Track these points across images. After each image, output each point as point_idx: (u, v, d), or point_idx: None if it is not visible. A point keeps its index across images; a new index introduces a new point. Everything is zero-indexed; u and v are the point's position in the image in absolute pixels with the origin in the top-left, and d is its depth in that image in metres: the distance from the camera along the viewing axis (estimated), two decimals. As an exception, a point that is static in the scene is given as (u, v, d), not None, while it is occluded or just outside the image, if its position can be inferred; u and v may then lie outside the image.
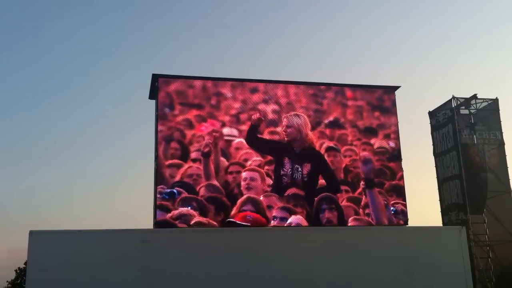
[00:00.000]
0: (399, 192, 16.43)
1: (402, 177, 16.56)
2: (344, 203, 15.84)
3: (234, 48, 51.94)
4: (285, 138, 16.02)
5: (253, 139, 15.70)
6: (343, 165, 16.18)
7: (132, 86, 49.10)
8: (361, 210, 15.90)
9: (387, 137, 16.85)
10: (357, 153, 16.38)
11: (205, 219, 14.70)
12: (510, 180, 19.91)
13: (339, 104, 16.80)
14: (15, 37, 49.59)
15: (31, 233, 11.96)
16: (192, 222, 14.58)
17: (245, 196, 15.15)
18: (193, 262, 12.49)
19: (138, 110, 51.04)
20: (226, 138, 15.60)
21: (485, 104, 20.52)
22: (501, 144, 20.21)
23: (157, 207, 14.76)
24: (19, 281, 34.93)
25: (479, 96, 20.37)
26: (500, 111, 20.38)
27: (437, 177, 20.72)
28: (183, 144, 15.26)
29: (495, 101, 20.54)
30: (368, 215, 15.84)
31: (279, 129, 16.03)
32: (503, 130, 20.28)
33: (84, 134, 50.78)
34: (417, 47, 50.03)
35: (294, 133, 16.05)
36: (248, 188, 15.29)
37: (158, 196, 14.76)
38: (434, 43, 48.81)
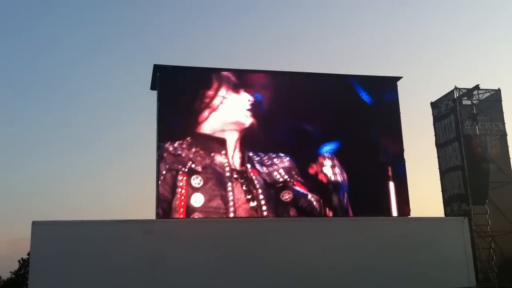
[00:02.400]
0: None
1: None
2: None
3: (235, 40, 51.80)
4: None
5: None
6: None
7: (134, 76, 49.06)
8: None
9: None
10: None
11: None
12: (512, 171, 19.90)
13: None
14: (13, 27, 49.53)
15: (34, 223, 11.96)
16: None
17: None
18: (195, 252, 12.51)
19: (140, 100, 51.00)
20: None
21: (487, 94, 20.42)
22: (503, 135, 20.15)
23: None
24: (22, 271, 35.12)
25: (481, 86, 20.26)
26: (503, 102, 20.28)
27: (439, 168, 20.66)
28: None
29: (498, 92, 20.44)
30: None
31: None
32: (505, 121, 20.17)
33: (86, 125, 50.80)
34: (419, 37, 49.89)
35: None
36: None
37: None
38: (436, 34, 48.66)
